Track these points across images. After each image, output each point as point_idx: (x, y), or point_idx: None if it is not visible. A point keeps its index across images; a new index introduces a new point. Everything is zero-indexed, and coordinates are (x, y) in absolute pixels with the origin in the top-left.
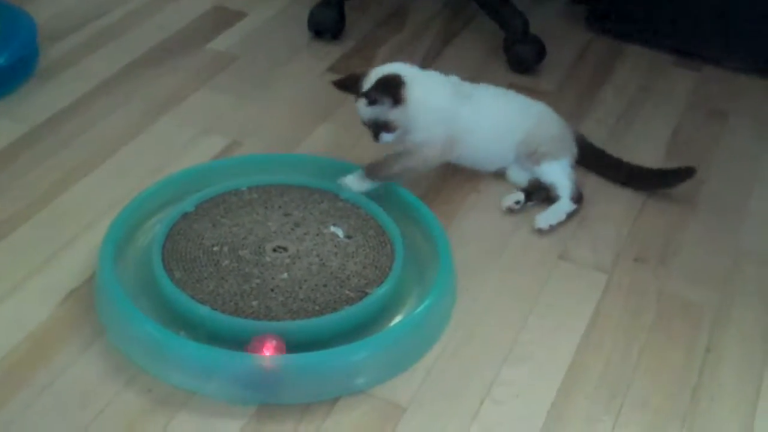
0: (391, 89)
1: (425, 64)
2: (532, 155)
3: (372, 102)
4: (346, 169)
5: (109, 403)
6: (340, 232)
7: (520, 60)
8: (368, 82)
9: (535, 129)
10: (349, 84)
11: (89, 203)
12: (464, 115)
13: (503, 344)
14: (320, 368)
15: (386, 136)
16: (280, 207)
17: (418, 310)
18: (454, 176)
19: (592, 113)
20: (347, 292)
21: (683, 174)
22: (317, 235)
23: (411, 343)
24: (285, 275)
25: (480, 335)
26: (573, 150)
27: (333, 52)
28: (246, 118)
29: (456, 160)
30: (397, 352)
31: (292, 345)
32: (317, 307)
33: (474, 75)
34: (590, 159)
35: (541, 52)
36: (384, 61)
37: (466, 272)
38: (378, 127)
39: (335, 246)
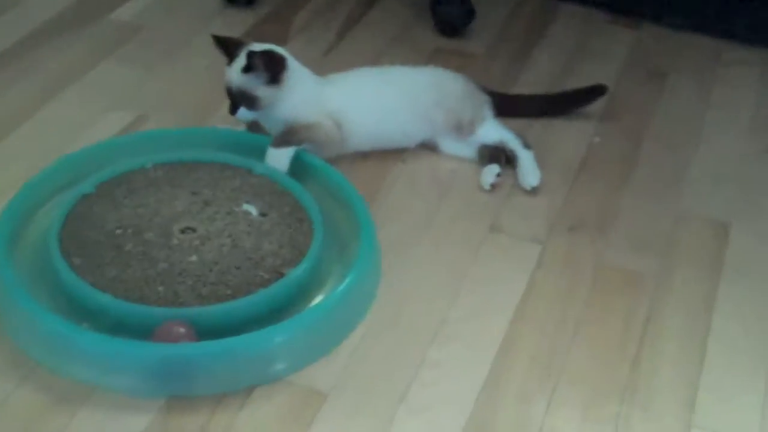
0: (275, 65)
1: (346, 28)
2: (460, 128)
3: (248, 69)
4: (259, 142)
5: (3, 402)
6: (253, 210)
7: (448, 21)
8: (249, 50)
9: (443, 100)
10: (227, 44)
11: None
12: (333, 97)
13: (431, 323)
14: (233, 356)
15: (245, 112)
16: (188, 185)
17: (338, 289)
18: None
19: (525, 76)
20: (262, 273)
21: (596, 91)
22: (229, 214)
23: (331, 325)
24: (194, 258)
25: (407, 314)
26: (488, 100)
27: (247, 19)
28: (153, 92)
29: (357, 145)
30: (317, 336)
31: (203, 332)
32: (229, 291)
33: (397, 39)
34: (502, 105)
35: (469, 13)
36: (301, 29)
37: (392, 248)
38: (241, 99)
39: (248, 225)
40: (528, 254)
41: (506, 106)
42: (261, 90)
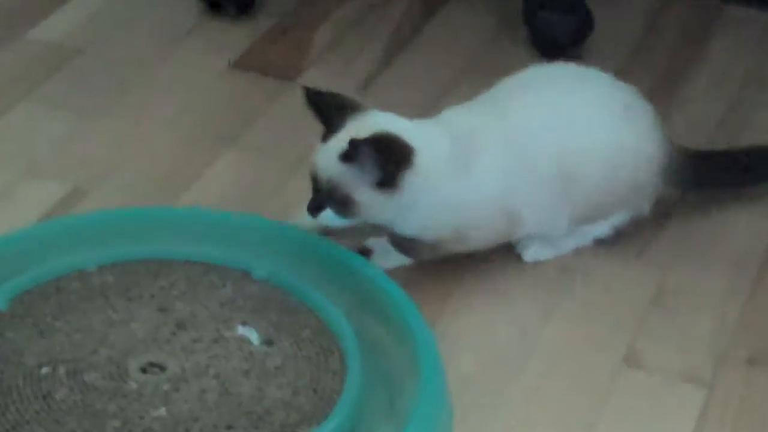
0: (392, 162)
1: (393, 49)
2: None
3: (350, 158)
4: (264, 230)
5: None
6: (253, 336)
7: (551, 36)
8: (358, 127)
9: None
10: (327, 105)
11: None
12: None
13: None
14: None
15: (330, 217)
16: (152, 296)
17: None
18: None
19: (678, 116)
20: None
21: None
22: (215, 342)
23: None
24: (162, 411)
25: None
26: None
27: (240, 37)
28: (95, 150)
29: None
30: None
31: None
32: None
33: (472, 64)
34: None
35: (584, 24)
36: (324, 50)
37: (469, 393)
38: (331, 199)
39: (246, 359)
40: (685, 402)
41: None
42: (364, 193)
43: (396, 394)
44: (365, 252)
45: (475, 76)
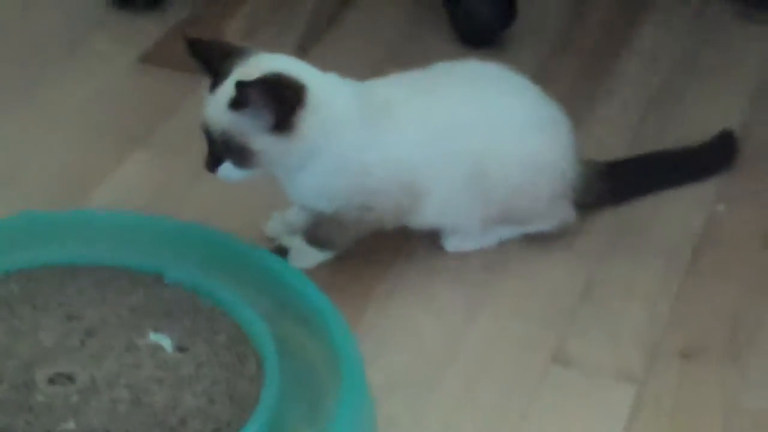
0: (283, 101)
1: (308, 40)
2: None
3: (239, 104)
4: (177, 232)
5: None
6: (166, 343)
7: (473, 24)
8: (245, 71)
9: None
10: (209, 53)
11: None
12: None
13: None
14: None
15: (230, 170)
16: (60, 304)
17: None
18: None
19: (604, 110)
20: None
21: (724, 145)
22: (127, 349)
23: None
24: (71, 424)
25: None
26: None
27: (149, 30)
28: None
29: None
30: None
31: None
32: None
33: (391, 55)
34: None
35: (507, 12)
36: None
37: (395, 398)
38: (226, 150)
39: (159, 367)
40: (617, 399)
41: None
42: (259, 140)
43: (318, 400)
44: (281, 251)
45: (395, 66)
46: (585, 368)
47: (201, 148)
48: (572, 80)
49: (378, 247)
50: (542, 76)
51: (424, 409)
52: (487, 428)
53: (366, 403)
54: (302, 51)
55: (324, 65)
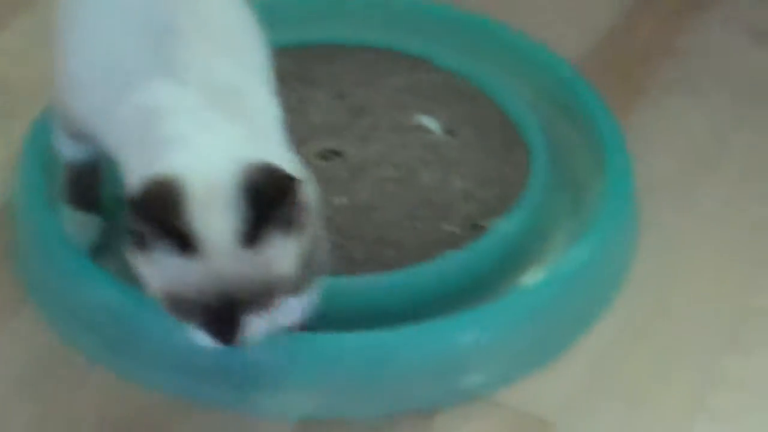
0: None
1: None
2: None
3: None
4: (449, 18)
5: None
6: (434, 125)
7: None
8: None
9: None
10: None
11: None
12: None
13: (724, 318)
14: (402, 356)
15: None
16: (328, 82)
17: (570, 258)
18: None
19: None
20: (447, 226)
21: None
22: (393, 130)
23: (559, 315)
24: (343, 199)
25: (682, 303)
26: None
27: None
28: None
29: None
30: (536, 332)
31: (352, 317)
32: (393, 252)
33: None
34: None
35: None
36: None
37: (660, 194)
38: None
39: (426, 148)
40: None
41: None
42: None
43: (580, 192)
44: None
45: None
46: None
47: None
48: None
49: (649, 46)
50: None
51: (687, 214)
52: (750, 231)
53: (630, 202)
54: None
55: None
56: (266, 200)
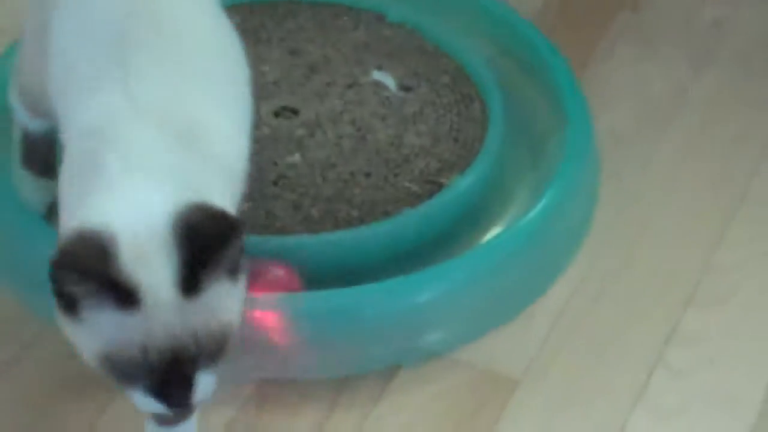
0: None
1: None
2: None
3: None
4: None
5: None
6: (390, 81)
7: None
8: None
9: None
10: None
11: None
12: None
13: (686, 272)
14: (362, 315)
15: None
16: (282, 39)
17: (531, 213)
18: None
19: None
20: (407, 183)
21: None
22: (350, 87)
23: (519, 271)
24: (296, 157)
25: (644, 257)
26: None
27: None
28: None
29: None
30: (498, 288)
31: (312, 276)
32: (355, 212)
33: None
34: None
35: None
36: None
37: (618, 147)
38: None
39: (382, 104)
40: None
41: None
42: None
43: (539, 145)
44: None
45: None
46: None
47: None
48: None
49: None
50: None
51: (647, 167)
52: (711, 184)
53: (590, 155)
54: None
55: None
56: (206, 243)
